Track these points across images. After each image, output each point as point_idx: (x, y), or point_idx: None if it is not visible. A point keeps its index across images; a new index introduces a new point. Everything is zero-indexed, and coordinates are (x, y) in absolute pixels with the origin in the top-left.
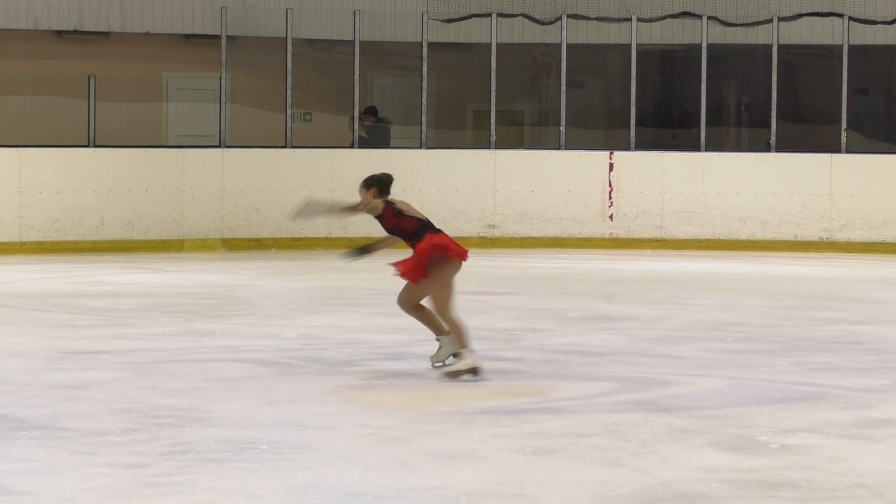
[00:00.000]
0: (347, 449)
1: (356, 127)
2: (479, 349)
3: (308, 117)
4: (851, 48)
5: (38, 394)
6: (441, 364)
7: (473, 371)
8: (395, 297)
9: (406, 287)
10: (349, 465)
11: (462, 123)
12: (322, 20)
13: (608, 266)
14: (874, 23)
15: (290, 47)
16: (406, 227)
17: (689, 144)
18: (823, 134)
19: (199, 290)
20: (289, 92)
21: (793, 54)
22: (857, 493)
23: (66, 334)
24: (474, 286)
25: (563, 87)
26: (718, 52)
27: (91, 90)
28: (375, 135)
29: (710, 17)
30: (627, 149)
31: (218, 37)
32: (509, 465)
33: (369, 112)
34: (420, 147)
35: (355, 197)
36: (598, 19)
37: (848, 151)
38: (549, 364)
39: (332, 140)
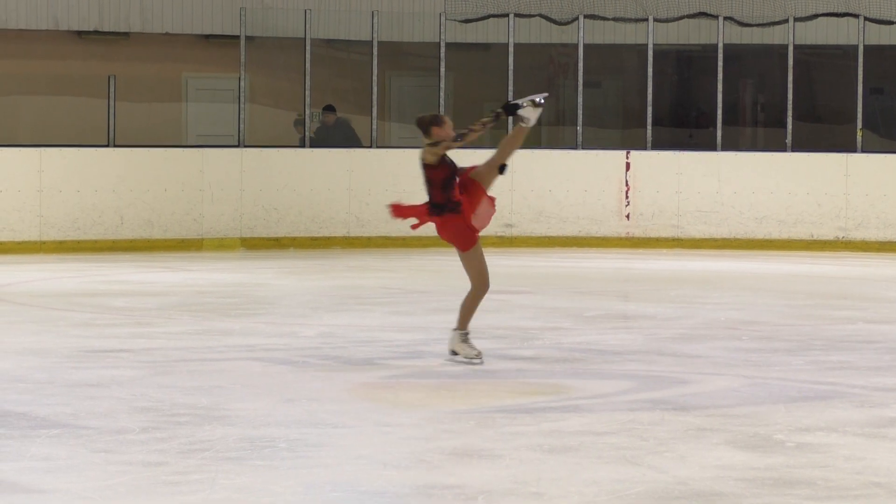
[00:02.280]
0: (365, 447)
1: (307, 126)
2: (497, 347)
3: None
4: (867, 48)
5: (58, 392)
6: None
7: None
8: (412, 297)
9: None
10: (367, 463)
11: None
12: (340, 21)
13: (625, 265)
14: (890, 23)
15: (308, 48)
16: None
17: (706, 144)
18: (839, 133)
19: (218, 289)
20: (307, 92)
21: (808, 54)
22: (873, 492)
23: (85, 333)
24: (491, 284)
25: (580, 87)
26: (734, 52)
27: (111, 90)
28: (336, 132)
29: (726, 18)
30: (644, 148)
31: (237, 37)
32: (526, 464)
33: (328, 110)
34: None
35: (374, 203)
36: (615, 19)
37: (863, 151)
38: (566, 363)
39: (351, 140)
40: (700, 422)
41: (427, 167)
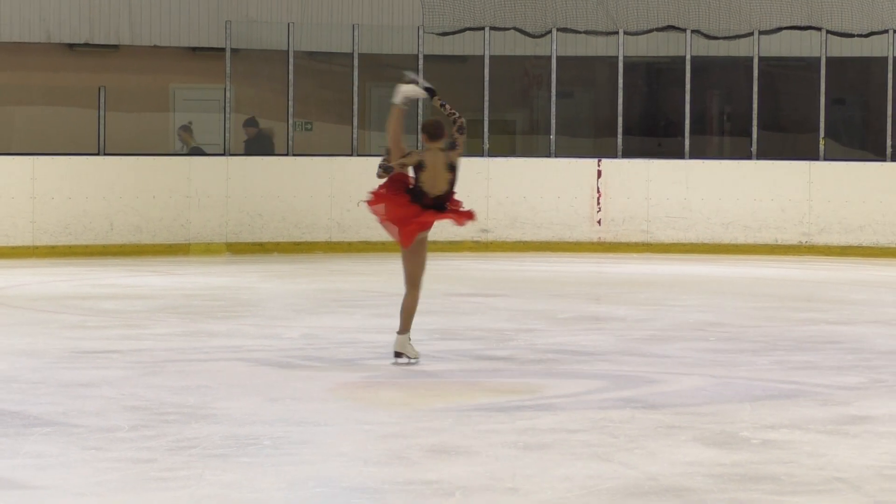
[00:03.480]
0: (347, 444)
1: (188, 137)
2: (473, 348)
3: (309, 127)
4: (829, 60)
5: (50, 392)
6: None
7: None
8: (392, 300)
9: (415, 259)
10: (348, 459)
11: None
12: (322, 34)
13: (597, 269)
14: (851, 36)
15: (291, 60)
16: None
17: (674, 152)
18: (802, 142)
19: (204, 292)
20: (290, 102)
21: (773, 66)
22: (835, 487)
23: (76, 335)
24: (468, 288)
25: (554, 98)
26: (702, 64)
27: (101, 101)
28: (256, 144)
29: (693, 31)
30: (615, 156)
31: (223, 50)
32: (502, 460)
33: (250, 123)
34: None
35: (355, 209)
36: (587, 33)
37: (826, 159)
38: (540, 363)
39: (332, 148)
40: (669, 420)
41: (454, 169)
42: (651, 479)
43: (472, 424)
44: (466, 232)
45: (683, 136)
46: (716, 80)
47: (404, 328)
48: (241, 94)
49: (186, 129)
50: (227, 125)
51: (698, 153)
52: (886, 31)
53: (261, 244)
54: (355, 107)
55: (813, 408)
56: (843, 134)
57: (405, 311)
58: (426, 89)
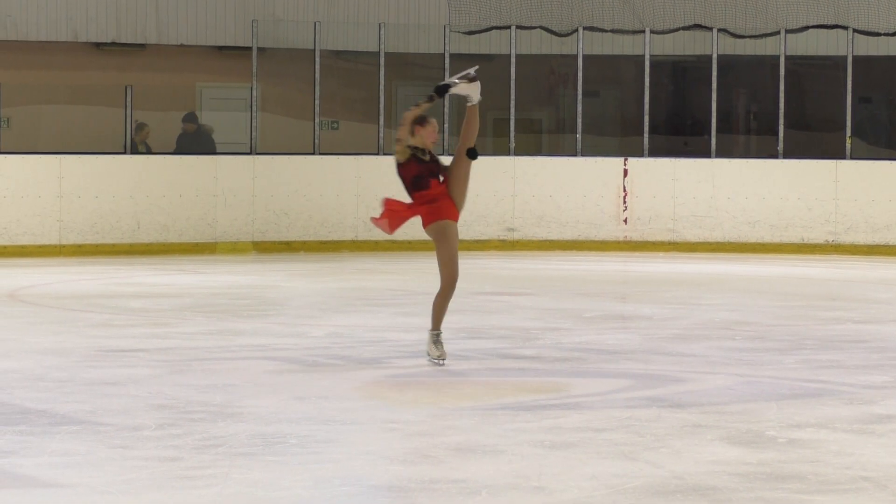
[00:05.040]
0: (373, 443)
1: (145, 138)
2: (500, 347)
3: (335, 125)
4: (855, 59)
5: (77, 390)
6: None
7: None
8: (418, 299)
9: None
10: (374, 458)
11: (483, 131)
12: (349, 32)
13: (622, 268)
14: (877, 34)
15: (317, 58)
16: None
17: (701, 151)
18: (828, 141)
19: (231, 290)
20: (317, 101)
21: (799, 65)
22: (861, 486)
23: (103, 333)
24: (494, 287)
25: (580, 97)
26: (728, 63)
27: (128, 100)
28: (193, 141)
29: (720, 30)
30: (641, 155)
31: (249, 48)
32: (528, 459)
33: (189, 119)
34: (442, 154)
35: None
36: (613, 31)
37: (852, 158)
38: (565, 362)
39: (359, 147)
40: (695, 418)
41: (397, 165)
42: (677, 478)
43: (498, 423)
44: (493, 230)
45: (710, 134)
46: (742, 78)
47: (432, 325)
48: (268, 93)
49: (142, 127)
50: (254, 124)
51: (725, 152)
52: None
53: (287, 243)
54: (381, 106)
55: (839, 407)
56: (869, 132)
57: (433, 308)
58: (437, 89)
